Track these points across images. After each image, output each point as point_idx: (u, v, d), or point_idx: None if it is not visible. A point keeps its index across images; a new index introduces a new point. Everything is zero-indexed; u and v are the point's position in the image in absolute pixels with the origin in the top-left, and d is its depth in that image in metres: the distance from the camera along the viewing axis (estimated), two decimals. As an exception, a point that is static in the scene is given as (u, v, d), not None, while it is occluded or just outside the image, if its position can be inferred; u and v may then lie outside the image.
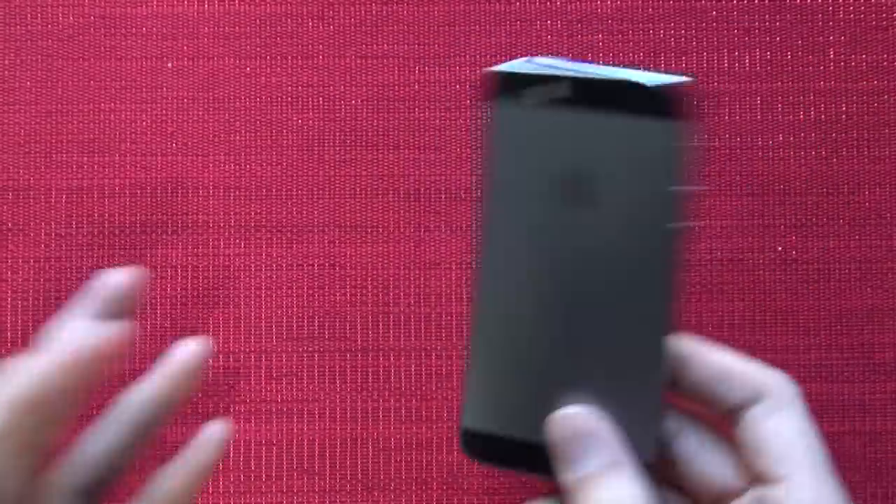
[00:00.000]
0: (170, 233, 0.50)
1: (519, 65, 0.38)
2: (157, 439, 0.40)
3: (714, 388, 0.38)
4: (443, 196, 0.50)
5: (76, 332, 0.37)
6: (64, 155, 0.50)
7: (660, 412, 0.38)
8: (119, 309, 0.39)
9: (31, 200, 0.50)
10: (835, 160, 0.50)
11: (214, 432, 0.40)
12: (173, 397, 0.39)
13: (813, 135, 0.50)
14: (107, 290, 0.38)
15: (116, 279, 0.38)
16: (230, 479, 0.49)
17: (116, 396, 0.40)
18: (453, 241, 0.50)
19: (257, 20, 0.50)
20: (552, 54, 0.50)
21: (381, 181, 0.50)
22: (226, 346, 0.49)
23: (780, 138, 0.50)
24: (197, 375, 0.40)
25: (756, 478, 0.37)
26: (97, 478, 0.39)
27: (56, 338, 0.37)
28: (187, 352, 0.40)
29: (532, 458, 0.38)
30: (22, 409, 0.36)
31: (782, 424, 0.37)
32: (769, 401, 0.37)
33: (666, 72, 0.47)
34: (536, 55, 0.48)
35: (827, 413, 0.50)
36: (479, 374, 0.39)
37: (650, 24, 0.51)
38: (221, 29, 0.50)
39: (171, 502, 0.39)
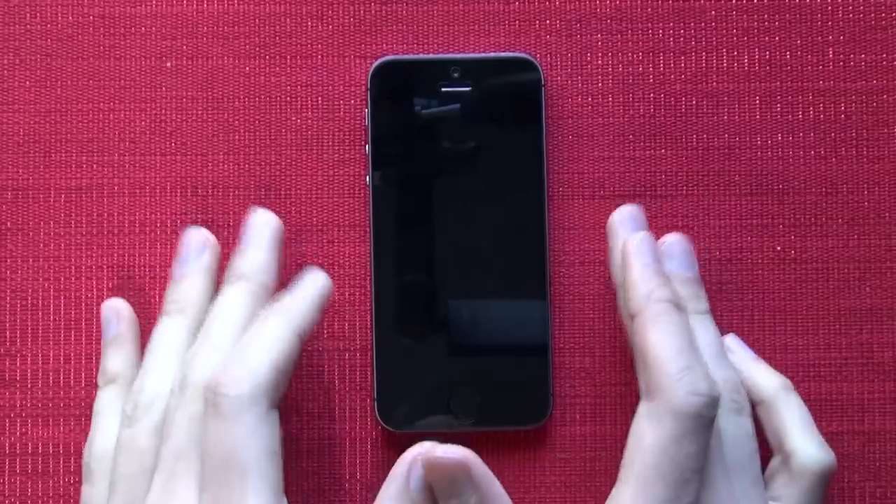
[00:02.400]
0: (169, 233, 0.50)
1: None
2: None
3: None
4: (442, 196, 0.50)
5: (318, 281, 0.45)
6: (63, 154, 0.50)
7: (548, 374, 0.48)
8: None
9: (30, 200, 0.50)
10: (834, 160, 0.50)
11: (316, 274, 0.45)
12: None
13: (812, 134, 0.50)
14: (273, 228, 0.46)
15: (269, 218, 0.46)
16: (229, 479, 0.49)
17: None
18: (453, 240, 0.50)
19: (256, 20, 0.50)
20: (550, 55, 0.50)
21: (380, 181, 0.50)
22: (225, 345, 0.49)
23: (779, 138, 0.50)
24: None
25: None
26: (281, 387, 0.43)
27: (302, 283, 0.44)
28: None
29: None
30: (280, 369, 0.42)
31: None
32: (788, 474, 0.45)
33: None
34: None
35: (825, 413, 0.50)
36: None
37: (649, 24, 0.51)
38: (220, 28, 0.50)
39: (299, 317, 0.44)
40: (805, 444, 0.45)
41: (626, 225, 0.46)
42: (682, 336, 0.42)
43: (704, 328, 0.45)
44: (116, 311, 0.48)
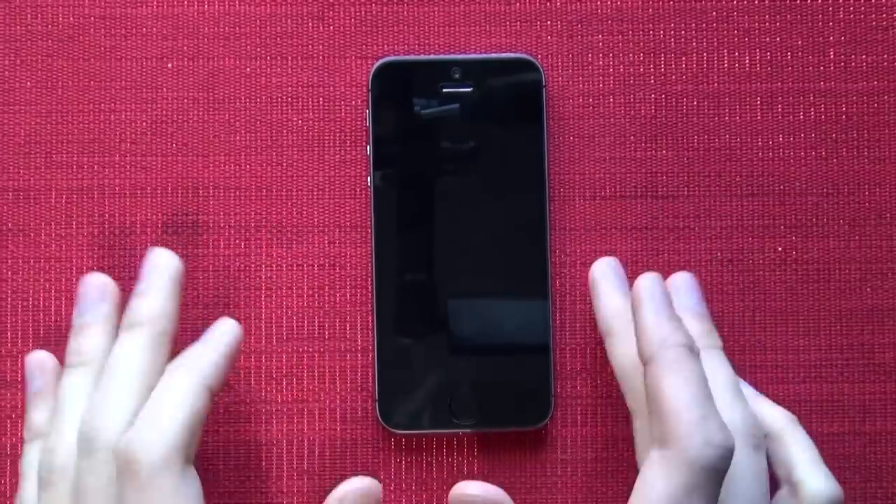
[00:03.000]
0: (170, 233, 0.50)
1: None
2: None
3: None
4: (443, 196, 0.50)
5: (227, 330, 0.44)
6: (64, 155, 0.50)
7: (550, 374, 0.48)
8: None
9: (31, 201, 0.50)
10: (835, 161, 0.50)
11: (226, 323, 0.45)
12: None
13: (813, 135, 0.50)
14: (173, 270, 0.45)
15: (169, 260, 0.45)
16: (230, 479, 0.49)
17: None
18: (454, 241, 0.50)
19: (257, 20, 0.50)
20: (551, 55, 0.50)
21: (381, 181, 0.50)
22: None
23: (780, 139, 0.50)
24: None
25: None
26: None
27: (212, 333, 0.44)
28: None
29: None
30: (191, 426, 0.41)
31: None
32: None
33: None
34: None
35: (827, 414, 0.50)
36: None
37: (650, 25, 0.51)
38: (221, 29, 0.50)
39: (205, 376, 0.43)
40: (813, 476, 0.44)
41: (608, 277, 0.47)
42: (698, 383, 0.41)
43: (719, 364, 0.45)
44: (41, 364, 0.46)
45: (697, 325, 0.46)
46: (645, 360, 0.42)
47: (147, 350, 0.43)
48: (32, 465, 0.44)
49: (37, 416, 0.45)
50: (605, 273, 0.47)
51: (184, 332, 0.49)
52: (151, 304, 0.44)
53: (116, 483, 0.40)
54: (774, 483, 0.46)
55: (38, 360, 0.47)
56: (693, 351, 0.42)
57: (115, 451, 0.40)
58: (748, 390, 0.47)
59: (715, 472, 0.39)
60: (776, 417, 0.46)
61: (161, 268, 0.45)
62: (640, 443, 0.44)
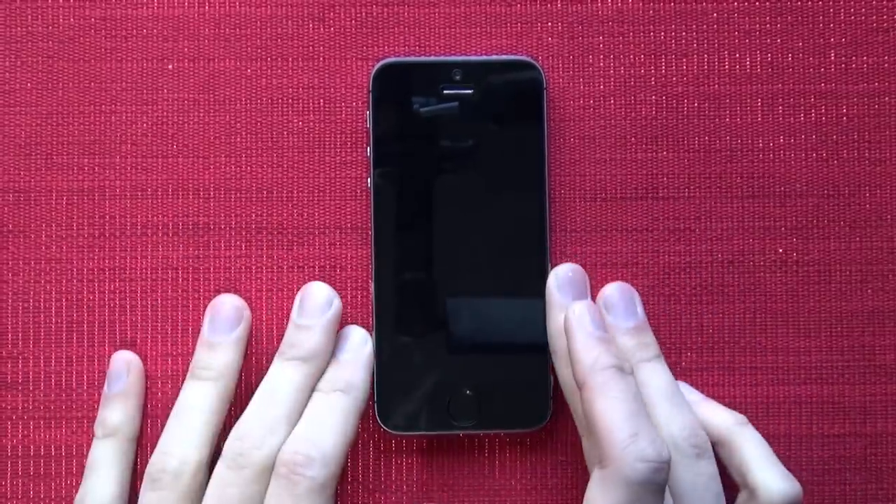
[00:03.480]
0: (170, 235, 0.50)
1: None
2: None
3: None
4: (443, 198, 0.50)
5: (362, 341, 0.48)
6: (64, 157, 0.50)
7: (549, 376, 0.48)
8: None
9: (32, 202, 0.50)
10: (835, 162, 0.50)
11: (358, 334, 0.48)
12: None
13: (813, 137, 0.50)
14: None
15: (331, 298, 0.48)
16: (231, 481, 0.49)
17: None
18: (454, 243, 0.50)
19: (258, 22, 0.50)
20: (551, 57, 0.50)
21: (381, 183, 0.50)
22: (226, 348, 0.49)
23: (781, 140, 0.50)
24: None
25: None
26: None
27: (350, 346, 0.48)
28: None
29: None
30: (347, 454, 0.45)
31: None
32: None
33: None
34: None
35: (827, 415, 0.50)
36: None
37: (650, 26, 0.51)
38: (222, 31, 0.50)
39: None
40: (768, 476, 0.45)
41: (564, 291, 0.48)
42: (627, 402, 0.42)
43: (656, 374, 0.46)
44: (127, 364, 0.49)
45: (630, 340, 0.47)
46: (579, 386, 0.44)
47: (304, 384, 0.46)
48: (106, 461, 0.47)
49: (115, 415, 0.48)
50: (559, 286, 0.48)
51: (185, 333, 0.50)
52: (316, 341, 0.46)
53: (267, 496, 0.44)
54: (735, 488, 0.46)
55: (125, 360, 0.49)
56: (622, 370, 0.43)
57: (281, 460, 0.44)
58: (694, 395, 0.48)
59: (652, 486, 0.41)
60: (723, 421, 0.47)
61: (324, 305, 0.47)
62: (588, 462, 0.46)
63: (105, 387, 0.48)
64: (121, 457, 0.47)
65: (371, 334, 0.49)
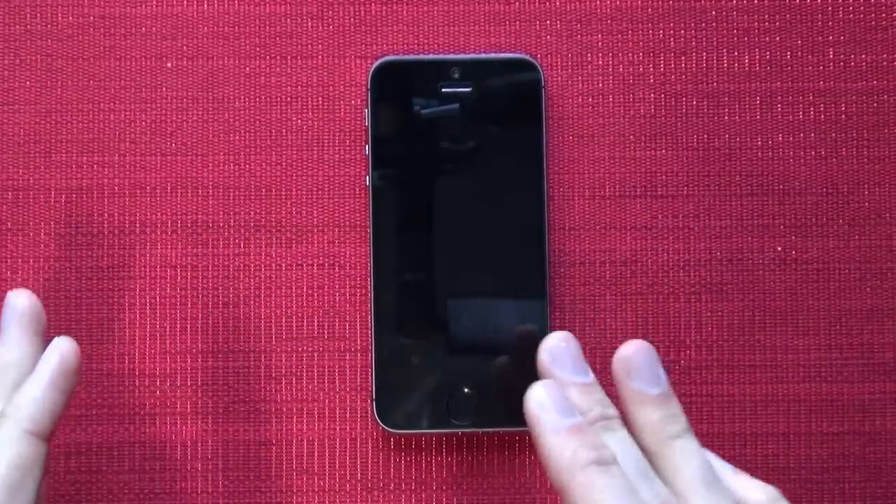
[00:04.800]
0: (169, 233, 0.50)
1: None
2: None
3: None
4: (442, 196, 0.50)
5: (53, 352, 0.42)
6: (63, 155, 0.50)
7: None
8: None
9: (31, 200, 0.50)
10: (834, 160, 0.50)
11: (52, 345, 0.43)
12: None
13: (812, 135, 0.50)
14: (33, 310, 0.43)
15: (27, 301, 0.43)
16: (230, 479, 0.49)
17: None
18: (453, 241, 0.50)
19: (257, 20, 0.50)
20: (550, 55, 0.50)
21: (380, 181, 0.50)
22: (226, 345, 0.49)
23: (780, 138, 0.50)
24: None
25: None
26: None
27: (41, 361, 0.42)
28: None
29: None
30: (16, 480, 0.40)
31: None
32: None
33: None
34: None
35: (826, 414, 0.50)
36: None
37: (649, 24, 0.51)
38: (221, 29, 0.50)
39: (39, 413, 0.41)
40: None
41: (560, 365, 0.42)
42: (619, 498, 0.37)
43: (690, 456, 0.40)
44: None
45: (656, 412, 0.41)
46: (558, 491, 0.39)
47: None
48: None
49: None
50: (553, 360, 0.42)
51: (182, 331, 0.50)
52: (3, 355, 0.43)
53: None
54: None
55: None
56: (605, 462, 0.38)
57: None
58: (724, 467, 0.42)
59: None
60: (756, 499, 0.41)
61: (15, 312, 0.43)
62: None
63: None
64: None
65: (370, 334, 0.49)
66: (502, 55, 0.50)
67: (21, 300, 0.43)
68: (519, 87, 0.49)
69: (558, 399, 0.40)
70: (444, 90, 0.49)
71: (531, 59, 0.49)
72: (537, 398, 0.40)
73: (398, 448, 0.50)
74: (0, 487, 0.39)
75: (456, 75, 0.49)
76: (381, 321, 0.48)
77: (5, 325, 0.43)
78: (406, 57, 0.50)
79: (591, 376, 0.41)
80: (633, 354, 0.41)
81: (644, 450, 0.40)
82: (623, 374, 0.41)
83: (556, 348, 0.42)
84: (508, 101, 0.49)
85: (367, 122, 0.49)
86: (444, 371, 0.48)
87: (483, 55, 0.50)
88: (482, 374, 0.48)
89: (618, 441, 0.40)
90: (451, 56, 0.50)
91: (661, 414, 0.41)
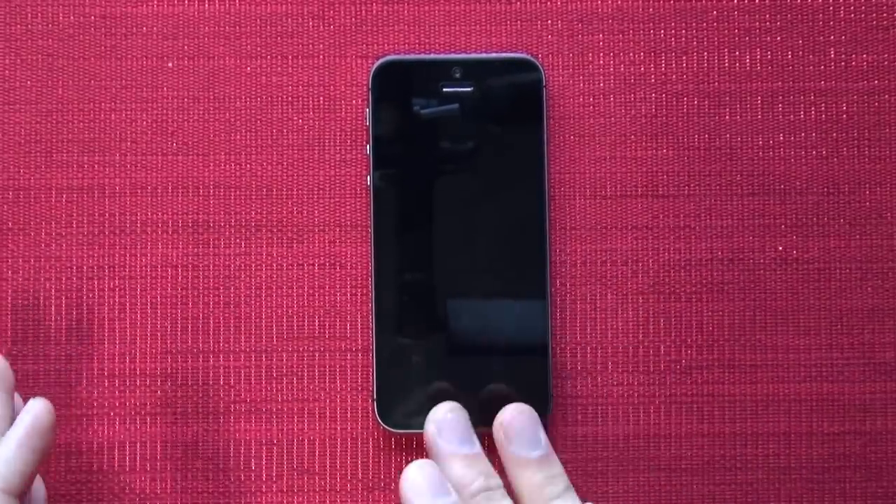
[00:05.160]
0: (170, 232, 0.50)
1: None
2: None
3: None
4: (443, 196, 0.50)
5: (28, 414, 0.42)
6: (64, 154, 0.50)
7: (548, 374, 0.48)
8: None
9: (31, 200, 0.50)
10: (835, 160, 0.50)
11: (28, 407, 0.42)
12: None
13: (813, 134, 0.50)
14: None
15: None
16: (230, 479, 0.49)
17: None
18: (454, 240, 0.50)
19: (258, 20, 0.50)
20: (551, 54, 0.50)
21: (381, 181, 0.50)
22: (226, 345, 0.49)
23: (781, 138, 0.50)
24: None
25: None
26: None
27: (16, 420, 0.42)
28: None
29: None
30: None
31: None
32: None
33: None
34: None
35: (827, 413, 0.50)
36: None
37: (650, 24, 0.51)
38: (222, 28, 0.50)
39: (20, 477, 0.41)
40: None
41: (446, 437, 0.44)
42: None
43: None
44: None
45: (537, 474, 0.43)
46: None
47: None
48: None
49: None
50: (439, 431, 0.44)
51: (183, 331, 0.50)
52: None
53: None
54: None
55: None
56: None
57: None
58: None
59: None
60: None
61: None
62: None
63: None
64: None
65: (371, 333, 0.49)
66: (504, 55, 0.50)
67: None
68: (520, 86, 0.49)
69: (432, 480, 0.42)
70: (445, 90, 0.49)
71: (532, 59, 0.49)
72: (410, 479, 0.42)
73: (399, 448, 0.50)
74: None
75: (457, 75, 0.49)
76: (381, 321, 0.48)
77: None
78: (407, 56, 0.50)
79: (477, 447, 0.44)
80: (512, 420, 0.44)
81: None
82: (504, 439, 0.44)
83: (443, 420, 0.44)
84: (509, 101, 0.49)
85: (369, 122, 0.49)
86: (444, 371, 0.48)
87: (484, 55, 0.50)
88: (483, 374, 0.48)
89: None
90: (453, 56, 0.50)
91: (541, 476, 0.43)
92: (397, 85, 0.49)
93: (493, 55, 0.50)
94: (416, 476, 0.42)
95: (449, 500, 0.42)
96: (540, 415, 0.48)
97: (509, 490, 0.44)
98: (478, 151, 0.49)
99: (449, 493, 0.42)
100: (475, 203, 0.49)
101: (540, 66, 0.49)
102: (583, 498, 0.44)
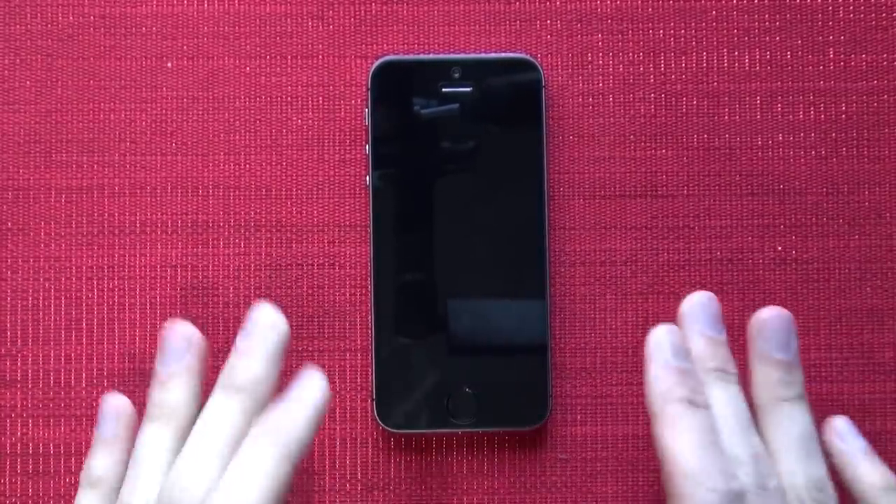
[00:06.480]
0: (169, 233, 0.50)
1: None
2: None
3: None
4: (442, 196, 0.50)
5: (315, 394, 0.42)
6: (63, 154, 0.50)
7: (547, 374, 0.48)
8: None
9: (31, 200, 0.50)
10: (834, 160, 0.50)
11: (313, 380, 0.42)
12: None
13: (812, 134, 0.50)
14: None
15: (276, 321, 0.43)
16: (230, 479, 0.49)
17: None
18: (453, 240, 0.50)
19: (257, 20, 0.50)
20: (550, 54, 0.50)
21: (380, 181, 0.50)
22: (226, 346, 0.49)
23: (780, 138, 0.50)
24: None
25: None
26: None
27: (298, 392, 0.41)
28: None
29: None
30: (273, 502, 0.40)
31: None
32: None
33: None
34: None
35: (827, 413, 0.49)
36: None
37: (649, 24, 0.51)
38: (221, 29, 0.50)
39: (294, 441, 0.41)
40: None
41: (694, 318, 0.44)
42: (698, 435, 0.40)
43: (792, 418, 0.43)
44: (117, 411, 0.44)
45: (775, 373, 0.43)
46: (651, 416, 0.41)
47: (240, 418, 0.41)
48: None
49: (100, 463, 0.43)
50: (658, 344, 0.43)
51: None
52: (254, 369, 0.42)
53: None
54: None
55: (115, 406, 0.44)
56: (695, 403, 0.41)
57: None
58: (858, 443, 0.45)
59: None
60: (870, 482, 0.44)
61: (266, 330, 0.42)
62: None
63: (95, 429, 0.44)
64: None
65: (371, 334, 0.49)
66: (503, 55, 0.50)
67: (271, 318, 0.43)
68: (519, 87, 0.49)
69: (675, 342, 0.42)
70: (444, 90, 0.49)
71: (532, 60, 0.49)
72: (656, 337, 0.42)
73: (398, 448, 0.50)
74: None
75: (456, 75, 0.49)
76: (381, 321, 0.48)
77: (253, 340, 0.42)
78: (406, 57, 0.50)
79: (723, 336, 0.44)
80: (769, 320, 0.44)
81: (755, 406, 0.43)
82: (756, 334, 0.44)
83: (697, 303, 0.44)
84: (509, 102, 0.49)
85: (368, 122, 0.49)
86: (444, 371, 0.48)
87: (483, 55, 0.50)
88: (482, 374, 0.48)
89: (727, 392, 0.42)
90: (452, 56, 0.50)
91: (778, 376, 0.43)
92: (396, 85, 0.49)
93: (493, 55, 0.50)
94: (661, 336, 0.42)
95: (683, 363, 0.42)
96: (539, 416, 0.48)
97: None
98: (477, 151, 0.49)
99: (686, 360, 0.42)
100: (474, 203, 0.49)
101: (539, 67, 0.49)
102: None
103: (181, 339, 0.43)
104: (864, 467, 0.44)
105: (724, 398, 0.42)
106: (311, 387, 0.42)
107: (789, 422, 0.43)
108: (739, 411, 0.42)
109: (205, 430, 0.41)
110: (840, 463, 0.44)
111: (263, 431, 0.40)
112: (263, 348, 0.42)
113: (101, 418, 0.44)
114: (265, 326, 0.42)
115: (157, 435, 0.42)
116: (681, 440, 0.40)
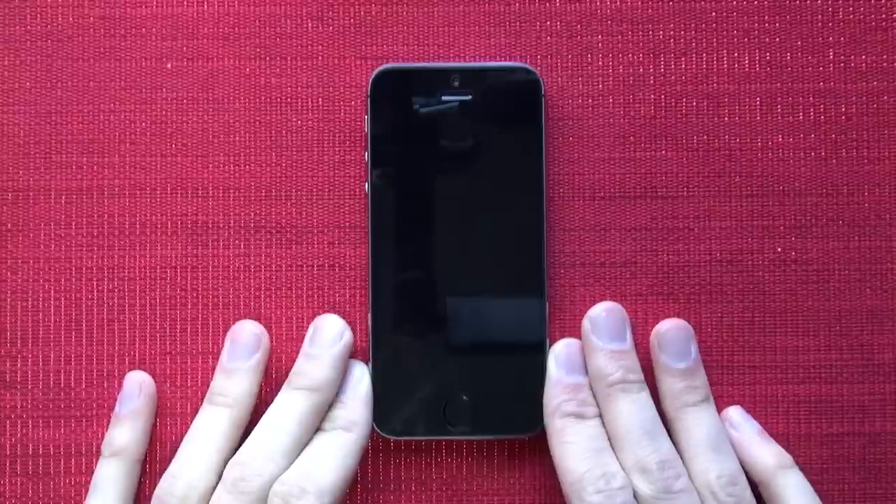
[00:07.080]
0: (169, 234, 0.50)
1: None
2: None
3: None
4: (442, 197, 0.50)
5: (363, 376, 0.48)
6: (63, 155, 0.50)
7: (543, 383, 0.48)
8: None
9: (31, 201, 0.50)
10: (834, 161, 0.50)
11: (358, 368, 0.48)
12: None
13: (812, 136, 0.50)
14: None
15: (342, 330, 0.48)
16: (230, 480, 0.49)
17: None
18: (453, 242, 0.50)
19: (257, 21, 0.50)
20: (550, 56, 0.50)
21: (380, 182, 0.50)
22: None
23: (780, 139, 0.50)
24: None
25: None
26: None
27: (353, 384, 0.48)
28: None
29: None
30: (344, 490, 0.46)
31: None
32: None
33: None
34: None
35: (826, 414, 0.50)
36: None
37: (649, 25, 0.51)
38: (221, 30, 0.50)
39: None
40: None
41: (599, 333, 0.47)
42: (584, 443, 0.45)
43: (699, 421, 0.47)
44: (139, 385, 0.49)
45: (679, 383, 0.47)
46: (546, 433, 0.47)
47: (308, 414, 0.46)
48: (110, 480, 0.47)
49: (122, 435, 0.48)
50: (593, 328, 0.48)
51: (182, 332, 0.50)
52: (324, 374, 0.47)
53: None
54: None
55: (138, 381, 0.49)
56: (581, 416, 0.46)
57: (275, 490, 0.44)
58: (752, 428, 0.48)
59: None
60: (767, 463, 0.47)
61: (334, 338, 0.48)
62: None
63: (116, 406, 0.49)
64: (125, 477, 0.47)
65: (369, 338, 0.49)
66: (502, 64, 0.49)
67: (338, 328, 0.48)
68: (518, 94, 0.49)
69: (569, 357, 0.47)
70: (444, 98, 0.49)
71: (531, 68, 0.49)
72: (554, 353, 0.47)
73: (398, 449, 0.50)
74: (340, 494, 0.45)
75: (456, 83, 0.49)
76: (379, 325, 0.48)
77: (323, 347, 0.48)
78: (406, 65, 0.50)
79: (627, 345, 0.47)
80: (667, 332, 0.48)
81: (665, 416, 0.47)
82: (656, 347, 0.48)
83: (597, 317, 0.47)
84: (508, 109, 0.49)
85: (367, 129, 0.49)
86: (441, 375, 0.48)
87: (483, 64, 0.50)
88: (479, 381, 0.48)
89: (631, 402, 0.46)
90: (451, 64, 0.50)
91: (682, 385, 0.47)
92: (396, 93, 0.49)
93: (492, 64, 0.50)
94: (558, 352, 0.48)
95: (575, 379, 0.47)
96: (536, 423, 0.48)
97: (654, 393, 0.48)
98: (477, 157, 0.49)
99: (579, 375, 0.47)
100: (474, 206, 0.48)
101: (538, 75, 0.49)
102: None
103: (252, 337, 0.48)
104: (757, 450, 0.47)
105: (628, 409, 0.46)
106: (357, 377, 0.48)
107: (696, 424, 0.46)
108: (645, 420, 0.46)
109: (275, 420, 0.46)
110: (738, 451, 0.47)
111: (333, 424, 0.46)
112: (332, 356, 0.47)
113: (125, 392, 0.48)
114: (332, 336, 0.47)
115: (216, 418, 0.47)
116: (567, 450, 0.45)
